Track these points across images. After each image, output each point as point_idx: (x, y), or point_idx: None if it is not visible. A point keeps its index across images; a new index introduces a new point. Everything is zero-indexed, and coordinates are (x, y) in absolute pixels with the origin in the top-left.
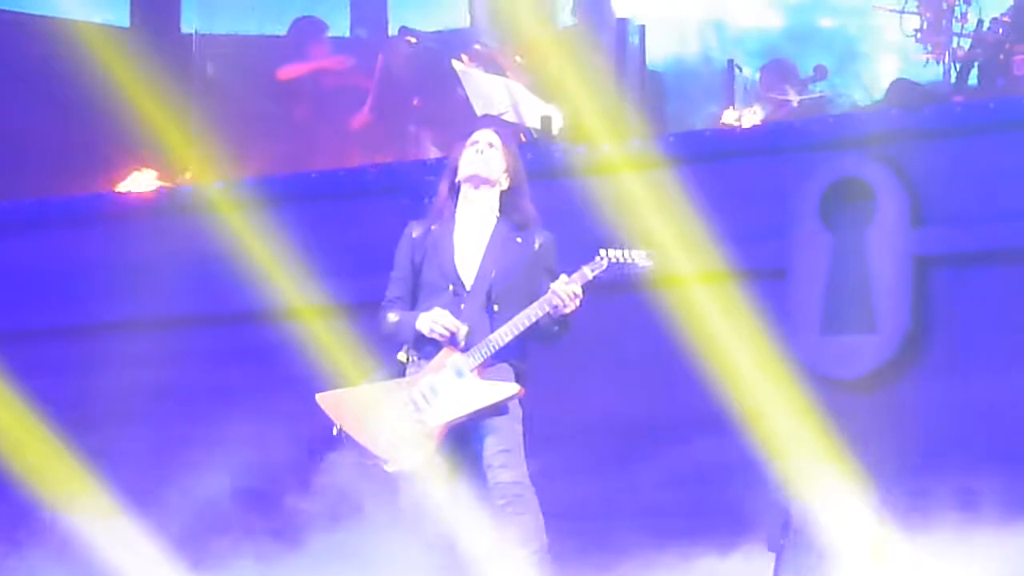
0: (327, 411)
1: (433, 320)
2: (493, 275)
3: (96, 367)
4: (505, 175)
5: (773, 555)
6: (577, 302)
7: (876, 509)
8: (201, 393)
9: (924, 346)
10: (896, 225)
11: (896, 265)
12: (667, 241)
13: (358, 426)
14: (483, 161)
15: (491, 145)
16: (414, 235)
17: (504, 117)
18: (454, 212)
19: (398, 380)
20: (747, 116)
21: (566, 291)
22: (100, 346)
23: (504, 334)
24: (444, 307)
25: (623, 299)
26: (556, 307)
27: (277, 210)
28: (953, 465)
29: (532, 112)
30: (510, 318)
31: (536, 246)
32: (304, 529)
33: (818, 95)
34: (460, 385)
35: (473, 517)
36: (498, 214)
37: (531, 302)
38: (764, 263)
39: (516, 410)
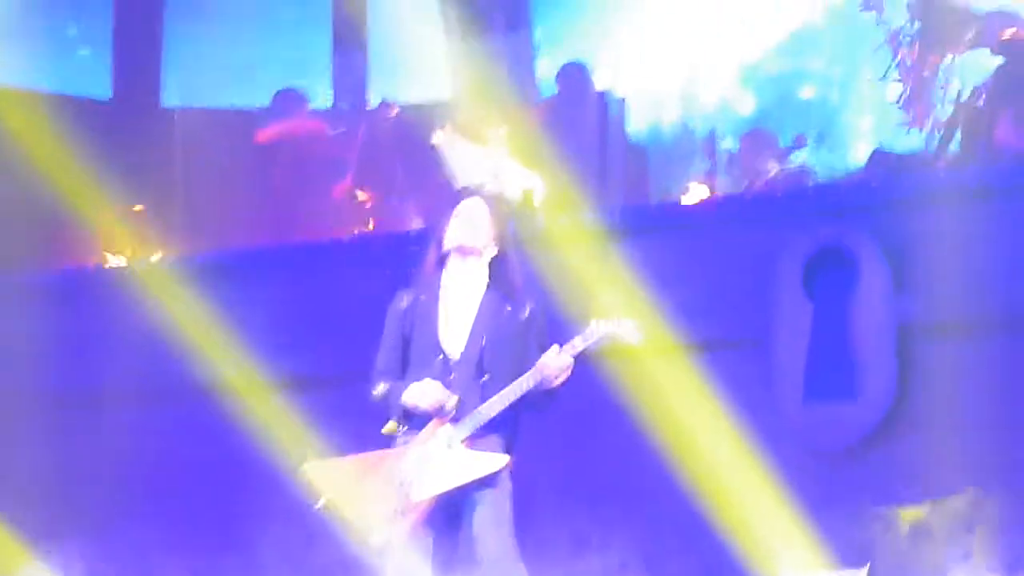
0: (313, 482)
1: (422, 392)
2: (482, 345)
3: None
4: (492, 243)
5: None
6: (567, 373)
7: None
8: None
9: (907, 414)
10: (878, 294)
11: (879, 333)
12: (646, 312)
13: (344, 497)
14: (469, 230)
15: (477, 214)
16: (403, 305)
17: (485, 188)
18: (441, 280)
19: (387, 451)
20: (729, 186)
21: (557, 363)
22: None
23: (493, 405)
24: (434, 377)
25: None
26: (546, 378)
27: (259, 281)
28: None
29: (513, 183)
30: (500, 388)
31: (526, 314)
32: None
33: (799, 164)
34: (448, 457)
35: None
36: (487, 282)
37: (521, 371)
38: (746, 333)
39: (505, 483)
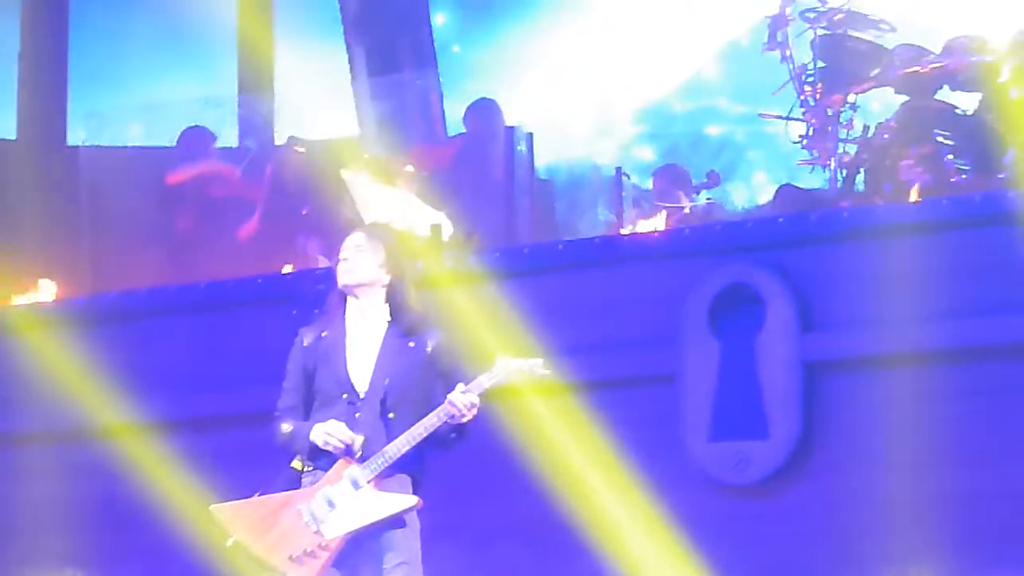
0: (222, 522)
1: (327, 432)
2: (387, 383)
3: None
4: (382, 271)
5: None
6: (474, 411)
7: None
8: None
9: (815, 451)
10: (785, 331)
11: (785, 371)
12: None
13: (253, 538)
14: (348, 268)
15: (358, 248)
16: (305, 343)
17: (393, 225)
18: (344, 317)
19: (294, 491)
20: (637, 223)
21: (463, 401)
22: None
23: (401, 445)
24: (339, 416)
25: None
26: (453, 416)
27: (163, 321)
28: (843, 568)
29: (422, 220)
30: (407, 425)
31: (429, 350)
32: None
33: (709, 201)
34: (356, 497)
35: None
36: (389, 317)
37: (427, 407)
38: (653, 369)
39: (414, 522)
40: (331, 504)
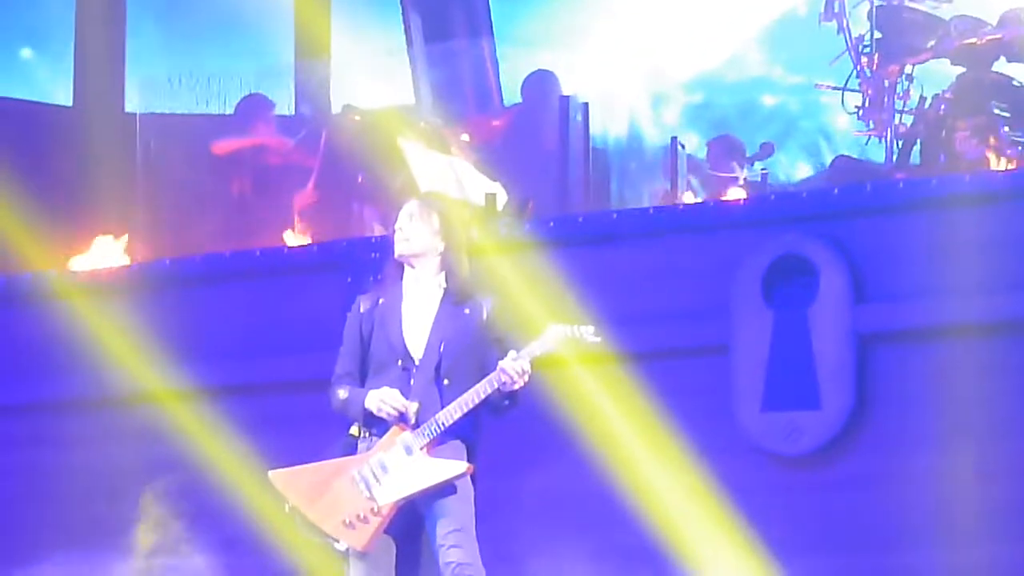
0: (278, 488)
1: (381, 399)
2: (441, 349)
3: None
4: (436, 239)
5: None
6: (526, 378)
7: None
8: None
9: (868, 422)
10: (839, 302)
11: (839, 342)
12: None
13: (308, 504)
14: (403, 238)
15: (412, 217)
16: (362, 309)
17: (447, 194)
18: (401, 285)
19: (349, 458)
20: (690, 192)
21: (515, 368)
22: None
23: (454, 411)
24: (393, 382)
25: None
26: (505, 383)
27: (218, 288)
28: (895, 541)
29: (477, 189)
30: (461, 391)
31: (483, 316)
32: None
33: (763, 172)
34: (409, 463)
35: None
36: (444, 284)
37: (482, 373)
38: (707, 340)
39: (467, 488)
40: (384, 470)
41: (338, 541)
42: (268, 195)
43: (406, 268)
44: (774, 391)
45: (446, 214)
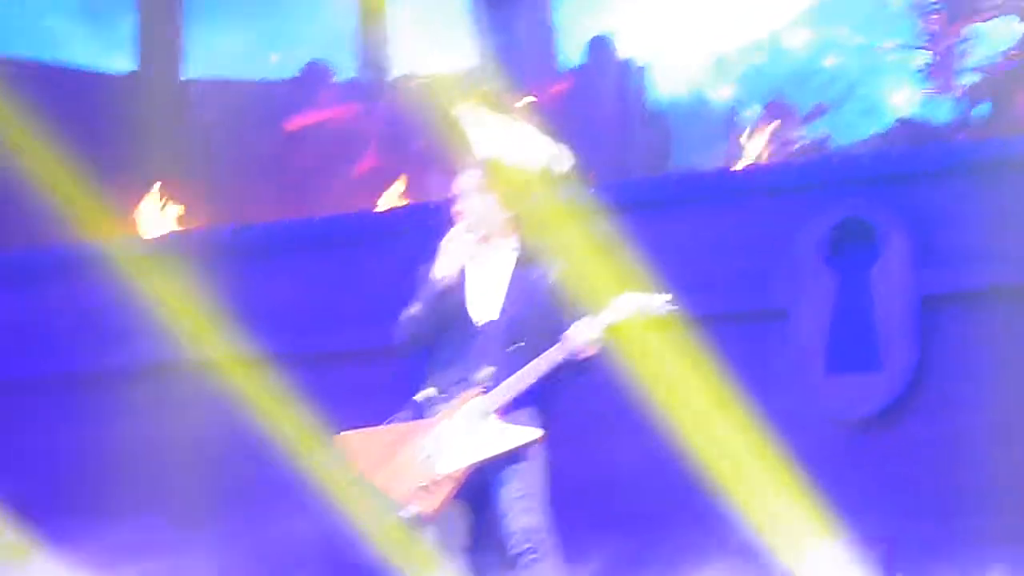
0: (345, 452)
1: (453, 362)
2: (511, 313)
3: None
4: (500, 206)
5: None
6: (597, 346)
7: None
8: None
9: (930, 385)
10: (900, 264)
11: (901, 304)
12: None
13: (374, 469)
14: (467, 209)
15: (475, 188)
16: (432, 275)
17: (508, 159)
18: (471, 250)
19: (418, 422)
20: (750, 156)
21: (584, 336)
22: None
23: (525, 376)
24: (462, 347)
25: None
26: (575, 351)
27: (280, 256)
28: (956, 503)
29: (538, 153)
30: (532, 356)
31: (552, 280)
32: None
33: (821, 134)
34: (479, 429)
35: (488, 565)
36: (513, 250)
37: (553, 337)
38: (768, 303)
39: (537, 455)
40: (453, 435)
41: (406, 508)
42: (328, 161)
43: (475, 234)
44: (836, 353)
45: (508, 180)
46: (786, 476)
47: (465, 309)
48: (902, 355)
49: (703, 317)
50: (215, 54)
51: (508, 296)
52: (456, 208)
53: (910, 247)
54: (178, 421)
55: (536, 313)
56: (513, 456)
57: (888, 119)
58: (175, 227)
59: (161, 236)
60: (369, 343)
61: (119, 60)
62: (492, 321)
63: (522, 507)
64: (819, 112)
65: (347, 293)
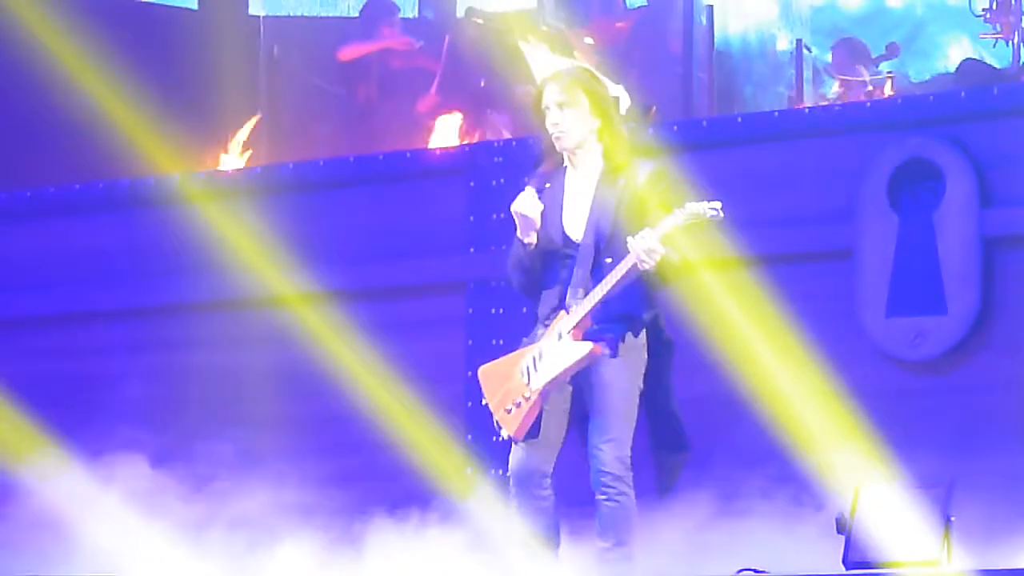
0: (481, 383)
1: (515, 207)
2: (599, 226)
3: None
4: (590, 117)
5: (842, 538)
6: (656, 257)
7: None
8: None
9: (993, 327)
10: (964, 206)
11: (964, 246)
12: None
13: (491, 394)
14: (560, 132)
15: (561, 107)
16: (521, 209)
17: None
18: (564, 170)
19: (529, 347)
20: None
21: (641, 246)
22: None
23: (596, 293)
24: (558, 269)
25: None
26: (639, 262)
27: (343, 192)
28: (1020, 444)
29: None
30: None
31: (641, 182)
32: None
33: (888, 74)
34: (557, 347)
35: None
36: (601, 161)
37: None
38: (831, 244)
39: (628, 385)
40: (540, 356)
41: (503, 430)
42: (391, 99)
43: (566, 154)
44: (899, 296)
45: (591, 87)
46: (846, 417)
47: (556, 230)
48: (965, 297)
49: (767, 256)
50: None
51: (592, 214)
52: (549, 132)
53: (974, 189)
54: (246, 355)
55: (623, 223)
56: (602, 384)
57: (952, 61)
58: (240, 163)
59: (227, 172)
60: (428, 279)
61: None
62: (582, 239)
63: (607, 451)
64: (892, 53)
65: (407, 230)
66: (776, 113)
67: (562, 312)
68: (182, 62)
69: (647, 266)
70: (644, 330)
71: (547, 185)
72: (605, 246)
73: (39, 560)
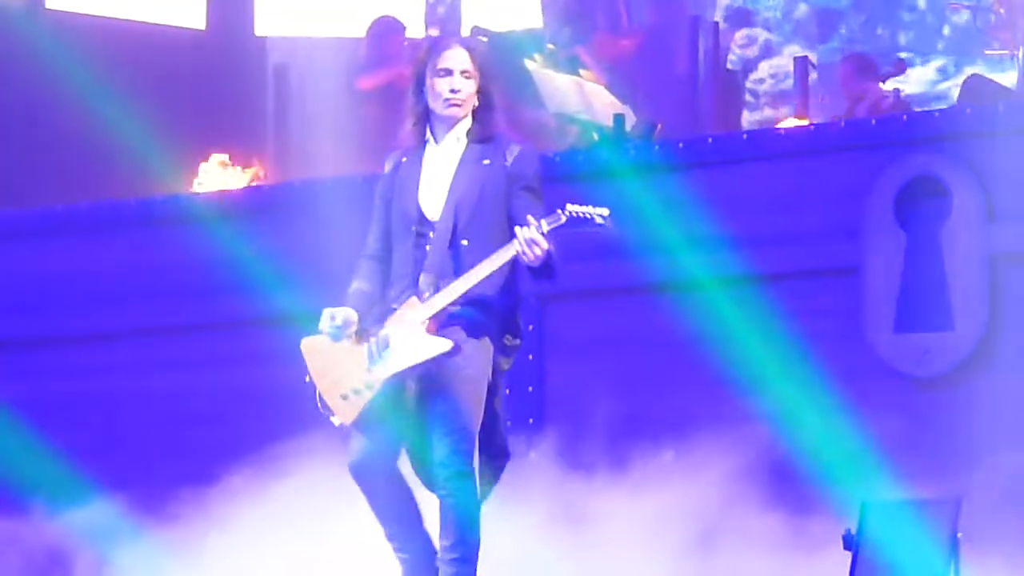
0: (305, 357)
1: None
2: (457, 205)
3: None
4: (475, 96)
5: (849, 554)
6: (537, 250)
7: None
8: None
9: (1001, 343)
10: (971, 223)
11: (971, 262)
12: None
13: (321, 374)
14: (460, 99)
15: (464, 74)
16: (387, 170)
17: (578, 116)
18: (424, 140)
19: (371, 328)
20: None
21: (524, 235)
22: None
23: (461, 282)
24: (409, 251)
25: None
26: (518, 253)
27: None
28: None
29: (605, 111)
30: (485, 255)
31: (508, 163)
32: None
33: (895, 90)
34: (406, 338)
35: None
36: (468, 133)
37: (509, 231)
38: (838, 261)
39: (477, 383)
40: (386, 344)
41: (335, 415)
42: (399, 118)
43: (434, 120)
44: (906, 312)
45: (485, 65)
46: (852, 434)
47: (410, 208)
48: (972, 314)
49: (773, 275)
50: (287, 10)
51: (451, 192)
52: (445, 97)
53: (980, 205)
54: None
55: (482, 204)
56: (450, 378)
57: (958, 77)
58: (245, 183)
59: (231, 192)
60: None
61: (192, 16)
62: (437, 219)
63: (448, 443)
64: (899, 69)
65: None
66: (782, 130)
67: (413, 298)
68: (189, 82)
69: (528, 259)
70: (500, 319)
71: (403, 159)
72: (463, 227)
73: None
